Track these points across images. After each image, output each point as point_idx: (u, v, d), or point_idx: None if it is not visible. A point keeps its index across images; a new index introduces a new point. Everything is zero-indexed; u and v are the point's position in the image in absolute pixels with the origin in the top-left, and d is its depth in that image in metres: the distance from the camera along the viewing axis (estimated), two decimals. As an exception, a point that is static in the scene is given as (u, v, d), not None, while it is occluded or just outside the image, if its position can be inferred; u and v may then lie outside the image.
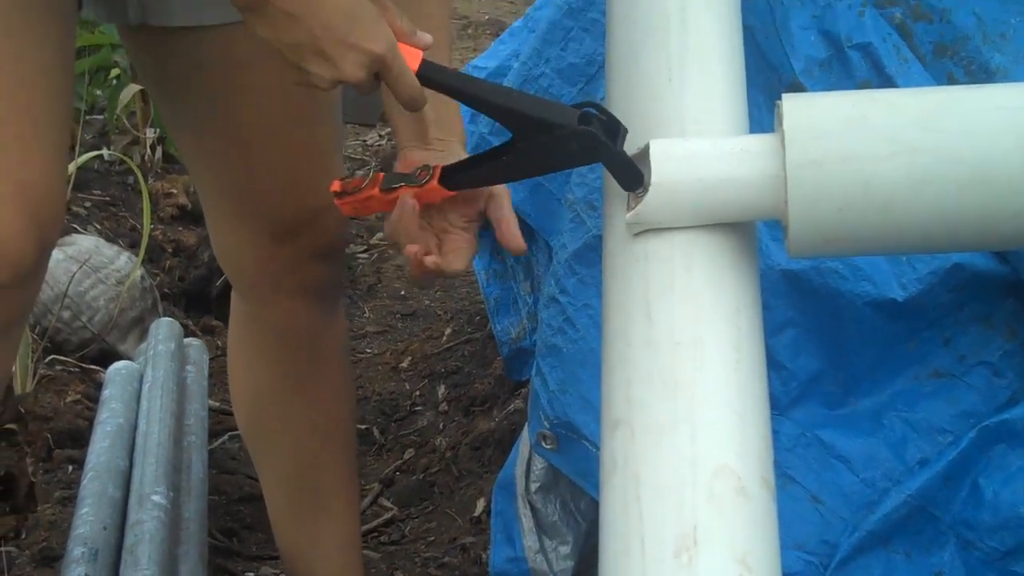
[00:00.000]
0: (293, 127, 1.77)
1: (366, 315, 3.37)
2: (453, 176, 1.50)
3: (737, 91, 1.43)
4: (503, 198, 1.54)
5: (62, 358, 2.83)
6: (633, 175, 1.30)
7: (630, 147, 1.33)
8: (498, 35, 5.95)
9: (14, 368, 2.57)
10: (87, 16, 1.80)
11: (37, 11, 1.55)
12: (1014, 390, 1.67)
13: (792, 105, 1.25)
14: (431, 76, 1.43)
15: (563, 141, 1.37)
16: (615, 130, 1.36)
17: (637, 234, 1.29)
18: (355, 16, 1.35)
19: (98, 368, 2.81)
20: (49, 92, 1.57)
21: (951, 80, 1.68)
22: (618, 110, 1.39)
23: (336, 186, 1.54)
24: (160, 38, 1.74)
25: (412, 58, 1.41)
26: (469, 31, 6.65)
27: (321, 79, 1.37)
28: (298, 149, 1.79)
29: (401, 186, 1.51)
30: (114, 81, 3.87)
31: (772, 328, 1.70)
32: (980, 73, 1.67)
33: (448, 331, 3.20)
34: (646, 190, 1.27)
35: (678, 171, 1.27)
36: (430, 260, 1.50)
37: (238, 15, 1.41)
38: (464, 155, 1.57)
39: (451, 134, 1.58)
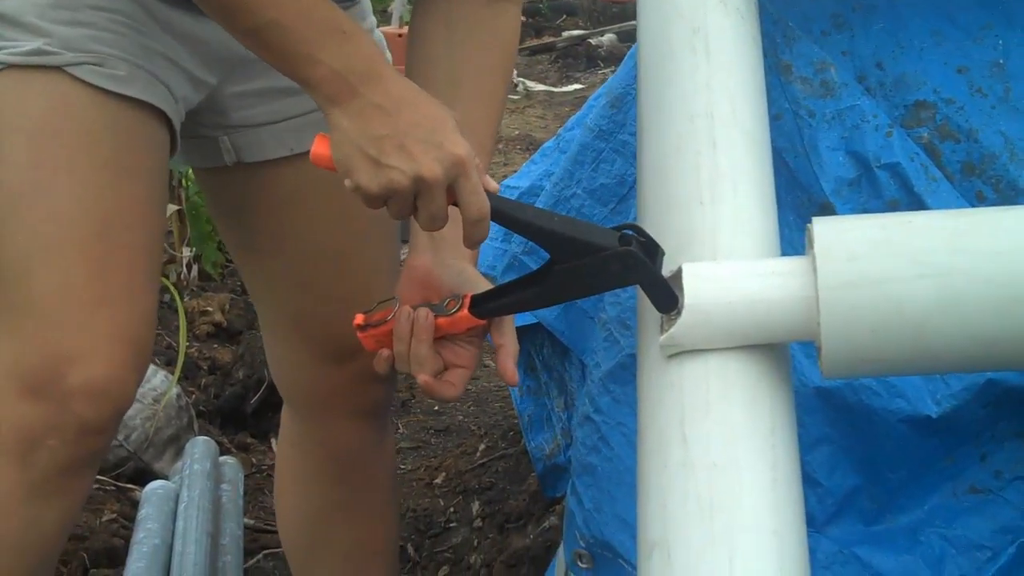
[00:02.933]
0: (358, 250, 1.81)
1: (400, 431, 3.37)
2: (483, 304, 1.50)
3: (768, 213, 1.45)
4: (507, 323, 1.54)
5: (99, 477, 2.83)
6: (668, 297, 1.32)
7: (663, 270, 1.35)
8: (529, 150, 6.03)
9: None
10: (179, 164, 1.86)
11: (141, 162, 1.62)
12: (1052, 505, 1.66)
13: (822, 228, 1.26)
14: None
15: (604, 263, 1.38)
16: (653, 252, 1.37)
17: (671, 356, 1.30)
18: (441, 120, 1.40)
19: (134, 487, 2.82)
20: (150, 234, 1.64)
21: (980, 198, 1.69)
22: (650, 233, 1.41)
23: (359, 319, 1.54)
24: (248, 173, 1.80)
25: None
26: (500, 146, 6.72)
27: (401, 173, 1.38)
28: (360, 272, 1.82)
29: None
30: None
31: (807, 445, 1.70)
32: (1008, 191, 1.68)
33: (482, 447, 3.20)
34: (679, 313, 1.29)
35: (711, 294, 1.29)
36: (429, 383, 1.51)
37: None
38: (475, 273, 1.58)
39: (464, 258, 1.58)
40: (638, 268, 1.35)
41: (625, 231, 1.38)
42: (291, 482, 2.04)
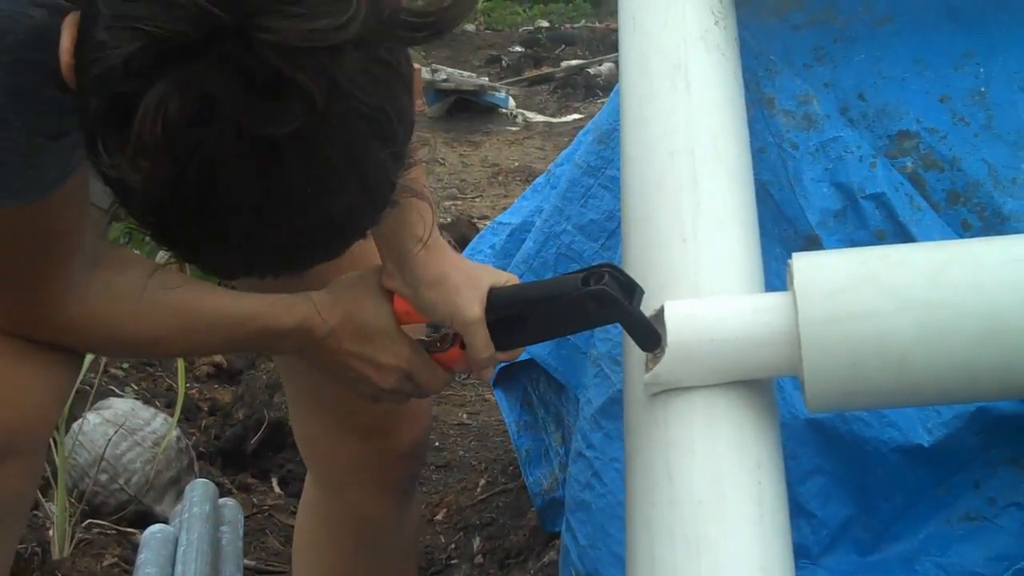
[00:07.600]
0: None
1: (401, 467, 3.36)
2: None
3: (750, 248, 1.46)
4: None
5: (99, 521, 2.83)
6: (650, 335, 1.32)
7: (647, 308, 1.35)
8: (528, 181, 6.03)
9: (52, 533, 2.59)
10: None
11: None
12: (1047, 531, 1.66)
13: (802, 264, 1.27)
14: None
15: (579, 302, 1.39)
16: (631, 290, 1.38)
17: (656, 394, 1.31)
18: (372, 341, 1.56)
19: (135, 530, 2.81)
20: None
21: (965, 226, 1.70)
22: (634, 271, 1.41)
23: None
24: None
25: None
26: (500, 178, 6.74)
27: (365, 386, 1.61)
28: None
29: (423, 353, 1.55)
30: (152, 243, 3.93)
31: (800, 476, 1.71)
32: (994, 218, 1.69)
33: (482, 482, 3.18)
34: (663, 351, 1.29)
35: (693, 331, 1.29)
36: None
37: None
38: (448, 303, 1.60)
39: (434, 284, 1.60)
40: (613, 306, 1.36)
41: (599, 271, 1.39)
42: (310, 546, 2.00)
